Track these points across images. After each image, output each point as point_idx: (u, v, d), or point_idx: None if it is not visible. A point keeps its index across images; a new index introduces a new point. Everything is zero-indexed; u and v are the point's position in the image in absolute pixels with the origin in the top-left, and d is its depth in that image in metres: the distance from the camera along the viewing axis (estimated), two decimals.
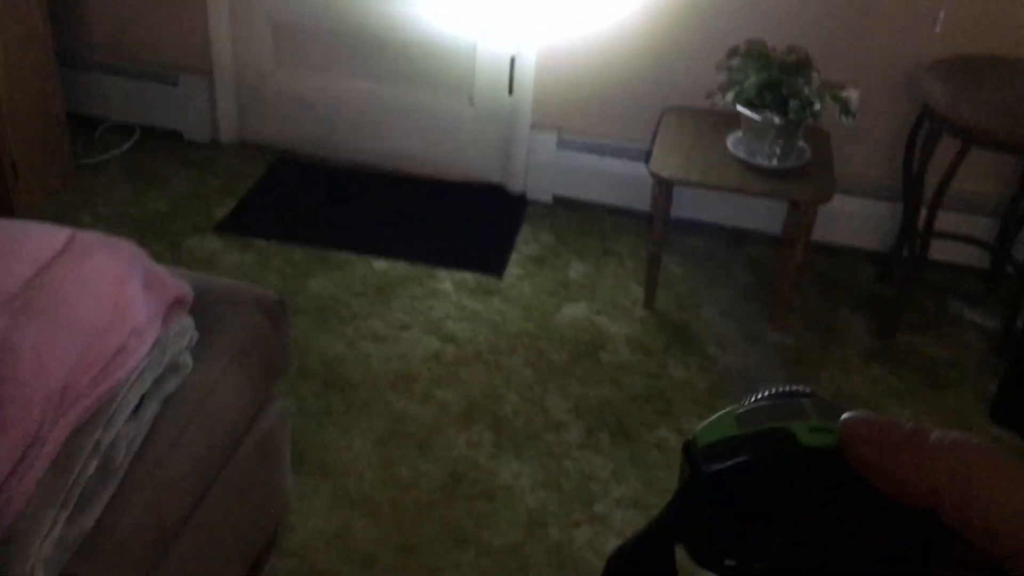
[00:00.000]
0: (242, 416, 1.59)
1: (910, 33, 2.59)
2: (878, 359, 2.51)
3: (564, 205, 3.03)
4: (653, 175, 2.43)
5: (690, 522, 0.30)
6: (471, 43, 2.92)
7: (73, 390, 1.25)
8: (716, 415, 0.30)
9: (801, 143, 2.48)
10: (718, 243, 2.91)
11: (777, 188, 2.40)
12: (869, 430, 0.27)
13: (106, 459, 1.28)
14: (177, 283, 1.42)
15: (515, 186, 3.06)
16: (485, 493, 2.07)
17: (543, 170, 3.01)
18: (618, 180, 2.94)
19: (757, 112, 2.36)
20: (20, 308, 1.32)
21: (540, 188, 3.04)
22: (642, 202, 2.87)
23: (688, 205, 2.91)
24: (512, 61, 2.90)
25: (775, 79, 2.34)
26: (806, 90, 2.38)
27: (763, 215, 2.87)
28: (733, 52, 2.53)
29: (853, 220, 2.84)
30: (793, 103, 2.33)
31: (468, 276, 2.70)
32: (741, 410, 0.30)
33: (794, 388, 0.31)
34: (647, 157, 2.60)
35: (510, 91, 2.95)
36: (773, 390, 0.31)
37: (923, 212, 2.53)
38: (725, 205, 2.86)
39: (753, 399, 0.31)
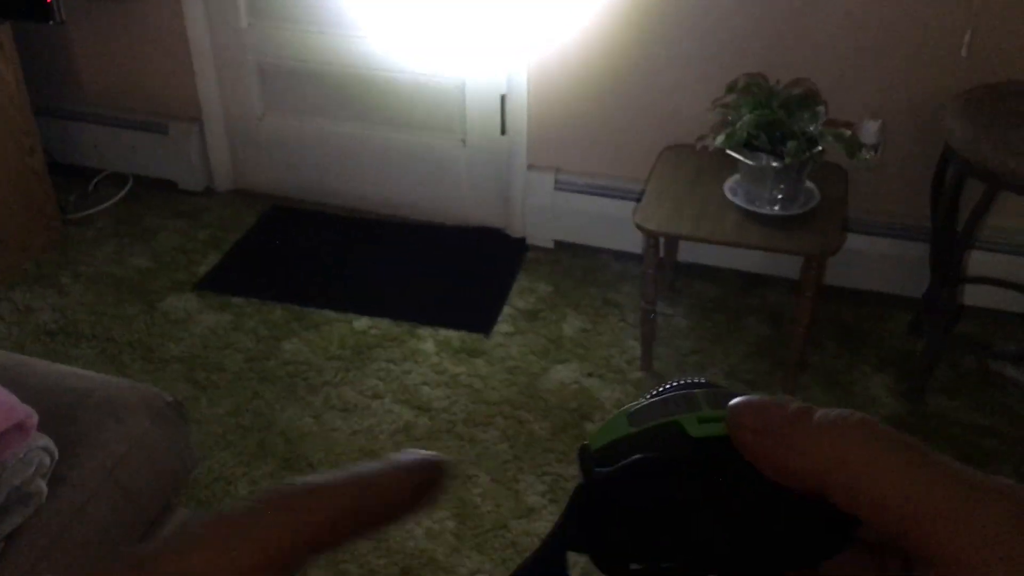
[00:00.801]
0: (125, 538, 1.43)
1: (934, 58, 2.30)
2: (904, 428, 2.21)
3: (566, 250, 2.82)
4: (640, 228, 2.20)
5: (584, 530, 0.28)
6: (459, 82, 2.73)
7: None
8: (610, 417, 0.29)
9: (809, 184, 2.22)
10: (730, 290, 2.66)
11: (776, 239, 2.14)
12: (752, 415, 0.26)
13: None
14: (17, 408, 1.27)
15: (515, 230, 2.86)
16: None
17: (542, 213, 2.80)
18: (621, 223, 2.70)
19: (751, 156, 2.11)
20: None
21: (540, 232, 2.83)
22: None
23: (696, 248, 2.67)
24: (503, 100, 2.70)
25: (771, 118, 2.09)
26: (811, 128, 2.12)
27: (781, 257, 2.60)
28: (731, 87, 2.29)
29: (880, 263, 2.56)
30: (791, 144, 2.07)
31: (453, 335, 2.51)
32: (633, 408, 0.29)
33: (689, 380, 0.30)
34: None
35: (502, 130, 2.75)
36: (667, 385, 0.30)
37: (957, 254, 2.24)
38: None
39: (648, 396, 0.30)
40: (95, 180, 3.14)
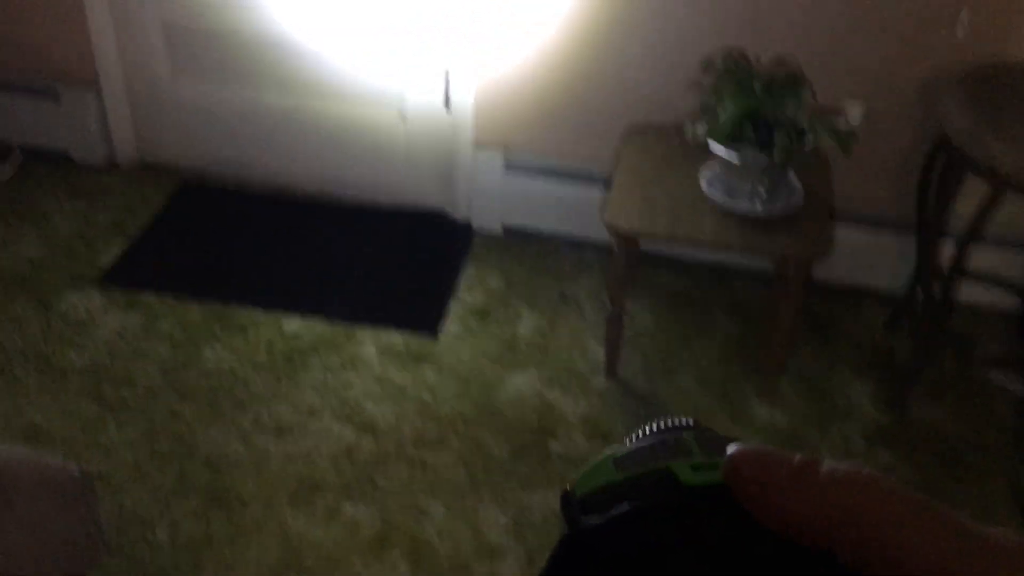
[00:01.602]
0: None
1: (926, 38, 2.10)
2: (887, 440, 2.07)
3: (516, 237, 2.57)
4: (609, 228, 1.97)
5: None
6: (397, 51, 2.43)
7: None
8: (594, 460, 0.27)
9: (792, 178, 2.02)
10: (697, 282, 2.46)
11: (762, 242, 1.94)
12: (754, 466, 0.25)
13: None
14: None
15: (458, 213, 2.60)
16: None
17: (489, 196, 2.54)
18: (577, 207, 2.48)
19: (737, 150, 1.89)
20: None
21: (487, 216, 2.57)
22: (606, 233, 2.41)
23: None
24: (447, 73, 2.41)
25: (755, 106, 1.87)
26: (797, 118, 1.90)
27: None
28: (707, 66, 2.05)
29: (858, 255, 2.39)
30: (779, 138, 1.86)
31: (396, 337, 2.26)
32: (620, 453, 0.27)
33: (676, 422, 0.28)
34: (607, 184, 2.15)
35: (446, 104, 2.47)
36: (654, 426, 0.28)
37: (942, 247, 2.08)
38: None
39: (634, 438, 0.28)
40: None
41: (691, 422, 0.28)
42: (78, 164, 2.76)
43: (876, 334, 2.34)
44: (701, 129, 1.88)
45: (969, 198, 1.98)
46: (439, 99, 2.46)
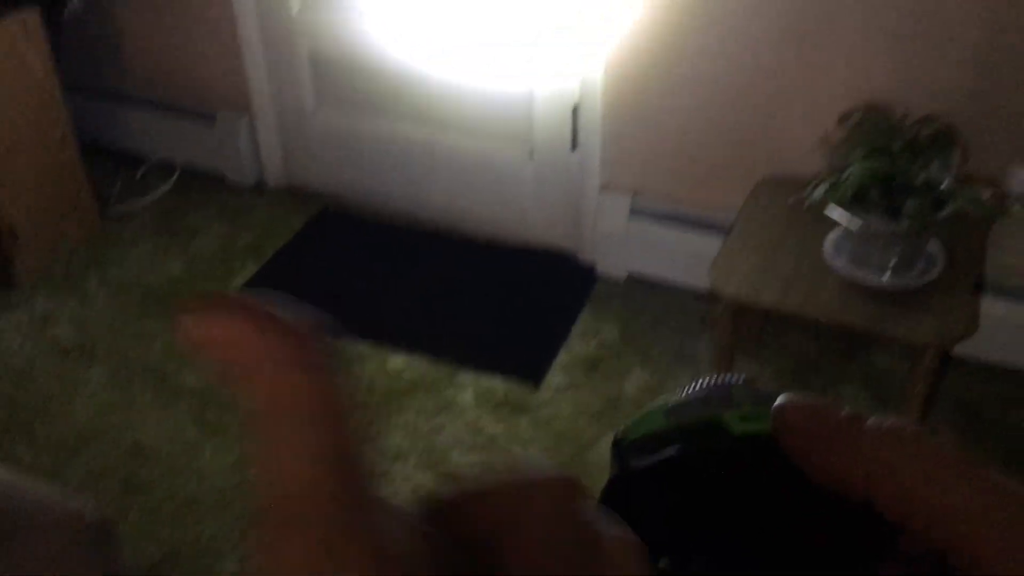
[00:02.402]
0: None
1: None
2: None
3: (641, 285, 2.44)
4: (713, 290, 1.81)
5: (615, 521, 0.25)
6: (527, 88, 2.36)
7: None
8: (645, 409, 0.27)
9: (933, 248, 1.78)
10: (830, 349, 2.23)
11: (882, 320, 1.72)
12: (801, 417, 0.25)
13: None
14: None
15: (584, 256, 2.50)
16: None
17: (615, 241, 2.42)
18: (705, 258, 2.30)
19: (859, 215, 1.69)
20: None
21: (612, 261, 2.46)
22: None
23: None
24: (575, 111, 2.32)
25: (886, 169, 1.66)
26: (940, 180, 1.68)
27: None
28: (843, 119, 1.85)
29: (1019, 333, 2.09)
30: (911, 204, 1.64)
31: (498, 383, 2.19)
32: (671, 403, 0.27)
33: (728, 377, 0.28)
34: (727, 236, 1.98)
35: (573, 146, 2.37)
36: (705, 381, 0.28)
37: None
38: None
39: (685, 392, 0.28)
40: (142, 169, 2.92)
41: (743, 377, 0.28)
42: (230, 184, 2.88)
43: None
44: (819, 191, 1.69)
45: None
46: (567, 137, 2.37)
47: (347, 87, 2.62)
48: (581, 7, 2.17)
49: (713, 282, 1.81)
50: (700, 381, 0.28)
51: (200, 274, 2.55)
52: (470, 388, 2.18)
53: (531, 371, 2.22)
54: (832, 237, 1.83)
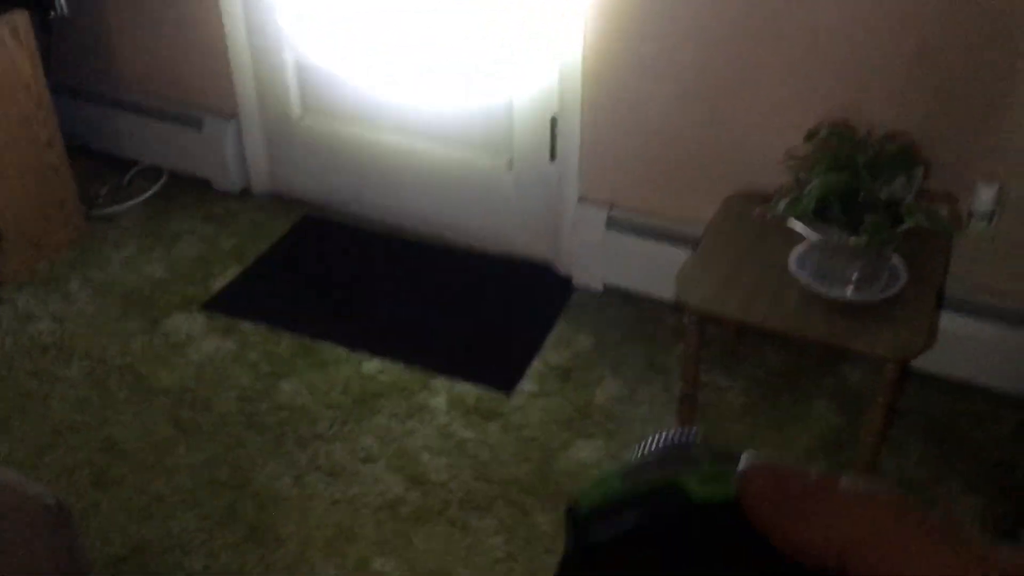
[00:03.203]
0: None
1: None
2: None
3: (616, 296, 2.47)
4: (679, 301, 1.84)
5: None
6: (506, 100, 2.40)
7: None
8: (602, 473, 0.26)
9: (896, 263, 1.81)
10: (803, 362, 2.26)
11: (844, 333, 1.74)
12: (768, 483, 0.24)
13: None
14: None
15: (561, 266, 2.53)
16: None
17: (591, 252, 2.45)
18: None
19: (820, 229, 1.72)
20: None
21: (588, 273, 2.49)
22: None
23: None
24: (553, 122, 2.36)
25: (846, 184, 1.69)
26: (899, 197, 1.71)
27: None
28: (810, 136, 1.88)
29: (986, 351, 2.12)
30: (869, 220, 1.67)
31: (470, 389, 2.21)
32: (628, 466, 0.27)
33: (682, 433, 0.27)
34: (695, 249, 2.01)
35: (551, 156, 2.41)
36: (661, 437, 0.27)
37: None
38: None
39: (641, 451, 0.27)
40: (129, 174, 2.96)
41: (699, 434, 0.27)
42: (216, 190, 2.91)
43: (1001, 444, 2.06)
44: (782, 205, 1.72)
45: None
46: (546, 149, 2.41)
47: (332, 96, 2.66)
48: (566, 16, 2.21)
49: (679, 293, 1.84)
50: (657, 437, 0.27)
51: (181, 277, 2.58)
52: (443, 393, 2.21)
53: (504, 379, 2.24)
54: (797, 251, 1.86)
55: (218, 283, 2.56)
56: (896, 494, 0.23)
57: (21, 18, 2.39)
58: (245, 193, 2.91)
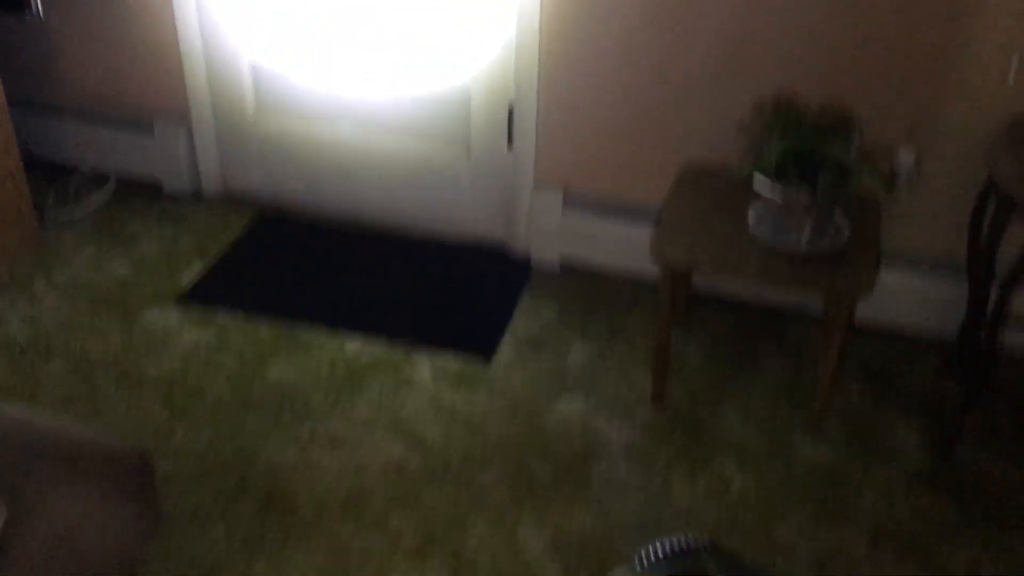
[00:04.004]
0: None
1: (978, 85, 2.14)
2: (932, 483, 2.07)
3: (573, 272, 2.66)
4: (656, 259, 2.04)
5: None
6: (464, 89, 2.56)
7: None
8: None
9: (839, 219, 2.06)
10: (748, 324, 2.50)
11: (804, 278, 1.98)
12: None
13: None
14: None
15: (518, 247, 2.70)
16: None
17: (549, 232, 2.64)
18: (633, 244, 2.55)
19: (780, 187, 1.95)
20: None
21: (546, 252, 2.67)
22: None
23: (712, 277, 2.52)
24: (510, 111, 2.53)
25: (803, 146, 1.93)
26: (844, 158, 1.95)
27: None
28: (758, 109, 2.12)
29: (910, 299, 2.40)
30: (824, 177, 1.91)
31: (451, 361, 2.35)
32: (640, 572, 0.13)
33: (693, 543, 0.16)
34: (657, 220, 2.22)
35: (509, 144, 2.58)
36: (668, 547, 0.17)
37: (994, 292, 2.09)
38: None
39: (649, 559, 0.17)
40: (76, 181, 2.97)
41: (708, 543, 0.24)
42: (167, 193, 2.96)
43: (927, 379, 2.34)
44: (748, 165, 1.95)
45: (1016, 243, 2.00)
46: (503, 137, 2.58)
47: (286, 95, 2.76)
48: (519, 11, 2.38)
49: (655, 254, 2.03)
50: (660, 545, 0.27)
51: (148, 275, 2.63)
52: (427, 365, 2.34)
53: (481, 348, 2.39)
54: (754, 213, 2.09)
55: (186, 278, 2.61)
56: None
57: None
58: (197, 194, 2.96)
